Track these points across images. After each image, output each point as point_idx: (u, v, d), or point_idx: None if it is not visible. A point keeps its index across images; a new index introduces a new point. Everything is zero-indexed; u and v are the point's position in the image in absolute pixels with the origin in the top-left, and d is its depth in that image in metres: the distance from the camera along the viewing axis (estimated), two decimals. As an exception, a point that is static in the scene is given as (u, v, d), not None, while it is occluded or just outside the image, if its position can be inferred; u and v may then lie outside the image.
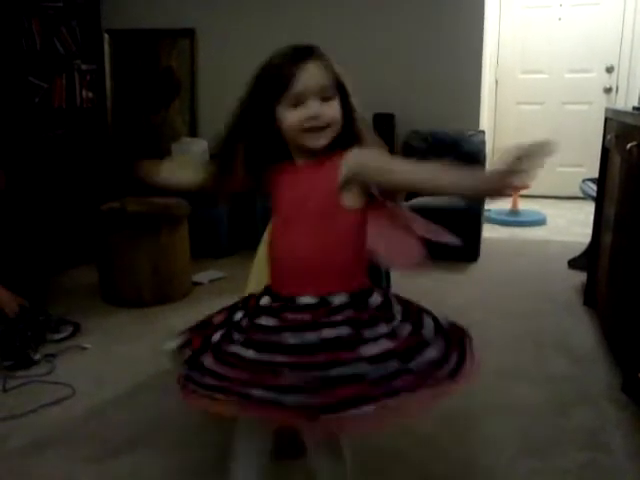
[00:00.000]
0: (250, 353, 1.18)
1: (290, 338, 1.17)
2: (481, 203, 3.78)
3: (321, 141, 1.23)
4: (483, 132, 4.24)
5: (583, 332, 2.71)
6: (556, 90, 5.65)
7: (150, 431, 1.94)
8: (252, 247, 2.40)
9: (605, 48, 5.45)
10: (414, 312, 1.31)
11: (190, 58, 4.62)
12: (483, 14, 4.24)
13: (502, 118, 5.83)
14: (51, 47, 4.02)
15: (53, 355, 2.48)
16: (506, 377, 2.28)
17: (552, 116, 5.71)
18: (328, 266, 1.25)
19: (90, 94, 4.40)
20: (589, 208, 3.46)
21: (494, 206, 5.13)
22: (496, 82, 5.76)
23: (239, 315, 1.31)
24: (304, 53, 1.22)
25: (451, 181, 1.26)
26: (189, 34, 4.58)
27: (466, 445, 1.85)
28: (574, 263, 3.62)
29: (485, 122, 5.10)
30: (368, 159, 1.23)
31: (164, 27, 4.59)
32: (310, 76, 1.20)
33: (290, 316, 1.21)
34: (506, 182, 1.13)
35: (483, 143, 4.13)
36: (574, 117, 5.63)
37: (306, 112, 1.20)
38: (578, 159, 5.55)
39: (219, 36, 4.55)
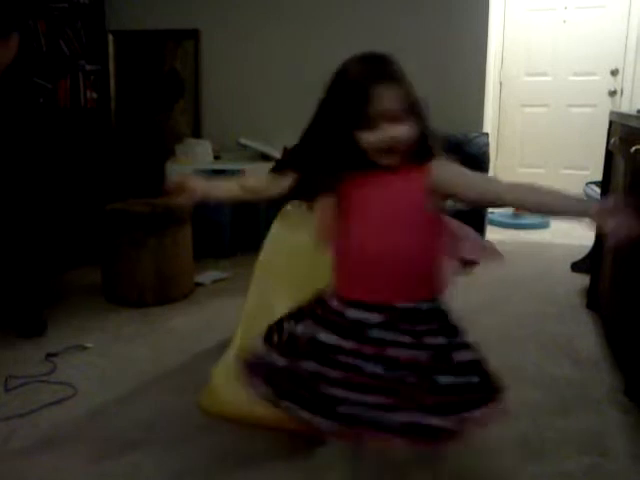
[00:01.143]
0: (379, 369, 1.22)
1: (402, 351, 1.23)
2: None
3: (396, 159, 1.25)
4: (487, 134, 4.23)
5: (586, 335, 2.70)
6: (560, 93, 5.64)
7: (152, 431, 1.94)
8: (255, 248, 2.40)
9: (610, 51, 5.44)
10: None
11: (194, 59, 4.63)
12: (488, 16, 4.24)
13: (506, 120, 5.83)
14: (56, 48, 4.04)
15: (54, 354, 2.48)
16: (508, 380, 2.27)
17: (556, 119, 5.70)
18: (425, 270, 1.31)
19: (94, 95, 4.41)
20: (593, 211, 3.45)
21: (497, 209, 5.12)
22: (500, 84, 5.75)
23: (327, 336, 1.28)
24: (379, 72, 1.23)
25: (538, 202, 1.24)
26: (193, 35, 4.58)
27: (467, 449, 1.84)
28: (577, 266, 3.61)
29: (489, 124, 5.09)
30: (454, 173, 1.28)
31: (168, 28, 4.60)
32: (385, 101, 1.21)
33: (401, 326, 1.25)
34: (601, 219, 1.15)
35: (487, 145, 4.12)
36: (578, 120, 5.62)
37: (382, 135, 1.22)
38: (582, 162, 5.53)
39: (223, 37, 4.56)
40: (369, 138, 1.23)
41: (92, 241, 3.52)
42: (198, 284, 3.36)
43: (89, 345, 2.59)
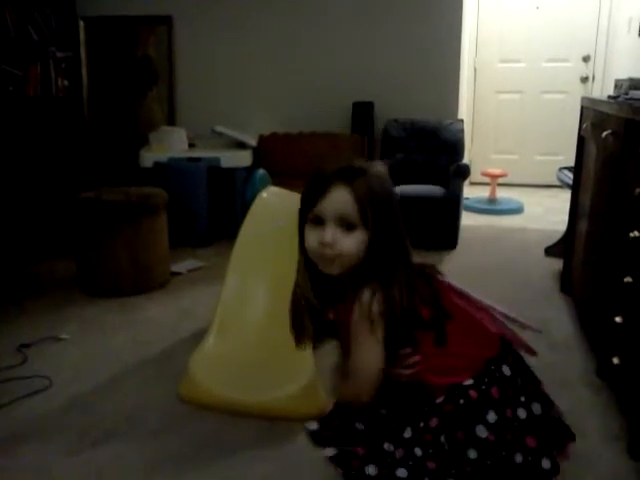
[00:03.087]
0: None
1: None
2: (459, 191, 3.81)
3: (332, 270, 1.21)
4: (462, 121, 4.26)
5: (560, 318, 2.74)
6: (534, 79, 5.70)
7: (130, 421, 1.93)
8: (231, 237, 2.39)
9: (582, 38, 5.50)
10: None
11: (168, 46, 4.57)
12: (462, 3, 4.25)
13: (481, 107, 5.87)
14: (25, 34, 3.95)
15: (27, 345, 2.45)
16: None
17: (530, 105, 5.76)
18: None
19: (66, 82, 4.33)
20: (565, 196, 3.50)
21: (472, 194, 5.16)
22: (475, 71, 5.78)
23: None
24: (333, 178, 1.18)
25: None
26: (166, 21, 4.52)
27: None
28: (551, 250, 3.66)
29: (464, 111, 5.13)
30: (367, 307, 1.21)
31: (141, 14, 4.53)
32: (330, 203, 1.17)
33: None
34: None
35: (462, 132, 4.15)
36: (552, 106, 5.68)
37: (321, 236, 1.18)
38: (555, 147, 5.60)
39: (197, 24, 4.50)
40: (311, 237, 1.20)
41: (66, 231, 3.47)
42: (174, 273, 3.33)
43: (64, 336, 2.56)
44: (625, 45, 4.83)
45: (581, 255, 2.69)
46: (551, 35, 5.56)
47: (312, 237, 1.20)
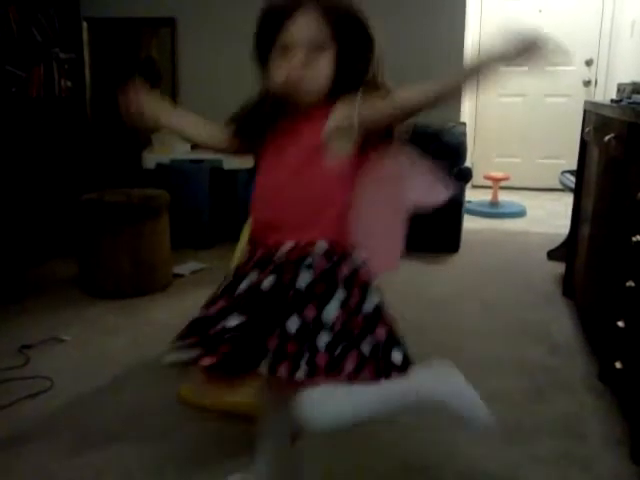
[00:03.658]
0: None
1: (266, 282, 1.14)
2: (462, 194, 3.80)
3: (308, 97, 1.18)
4: (464, 124, 4.25)
5: (562, 322, 2.74)
6: (536, 83, 5.69)
7: (131, 423, 1.93)
8: (233, 239, 2.39)
9: (585, 41, 5.50)
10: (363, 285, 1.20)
11: (171, 47, 4.58)
12: (464, 6, 4.25)
13: (483, 110, 5.87)
14: (29, 35, 3.95)
15: (28, 346, 2.45)
16: (485, 366, 2.31)
17: (532, 108, 5.76)
18: (308, 214, 1.19)
19: (69, 83, 4.33)
20: (568, 200, 3.50)
21: (474, 198, 5.16)
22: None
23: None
24: (298, 2, 1.14)
25: (435, 90, 1.24)
26: (170, 23, 4.53)
27: (445, 434, 1.87)
28: (553, 254, 3.66)
29: (466, 114, 5.13)
30: (353, 112, 1.16)
31: (144, 16, 4.54)
32: (299, 29, 1.14)
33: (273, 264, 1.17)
34: (492, 64, 1.14)
35: (464, 135, 4.14)
36: (554, 109, 5.68)
37: (290, 65, 1.15)
38: (557, 151, 5.60)
39: (200, 25, 4.51)
40: (278, 68, 1.16)
41: (68, 232, 3.47)
42: (176, 275, 3.33)
43: (65, 337, 2.56)
44: (628, 49, 4.83)
45: (583, 259, 2.69)
46: (554, 38, 5.55)
47: (281, 67, 1.16)
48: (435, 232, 3.78)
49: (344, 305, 1.12)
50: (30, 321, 2.73)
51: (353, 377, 1.09)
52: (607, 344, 2.10)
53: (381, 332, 1.15)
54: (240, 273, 1.23)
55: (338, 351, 1.09)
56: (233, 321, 1.12)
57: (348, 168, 1.21)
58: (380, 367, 1.12)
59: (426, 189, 1.27)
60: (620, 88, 2.62)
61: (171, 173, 3.87)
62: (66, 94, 4.30)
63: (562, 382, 2.19)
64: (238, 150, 1.37)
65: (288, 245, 1.17)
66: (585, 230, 2.70)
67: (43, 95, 4.08)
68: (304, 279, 1.13)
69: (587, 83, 5.58)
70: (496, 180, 5.05)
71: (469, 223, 4.40)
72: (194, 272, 3.43)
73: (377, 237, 1.24)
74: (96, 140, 4.62)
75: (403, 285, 3.15)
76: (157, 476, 1.69)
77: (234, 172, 3.95)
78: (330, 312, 1.10)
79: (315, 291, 1.12)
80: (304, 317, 1.10)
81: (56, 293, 3.10)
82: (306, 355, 1.08)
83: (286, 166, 1.22)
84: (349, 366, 1.09)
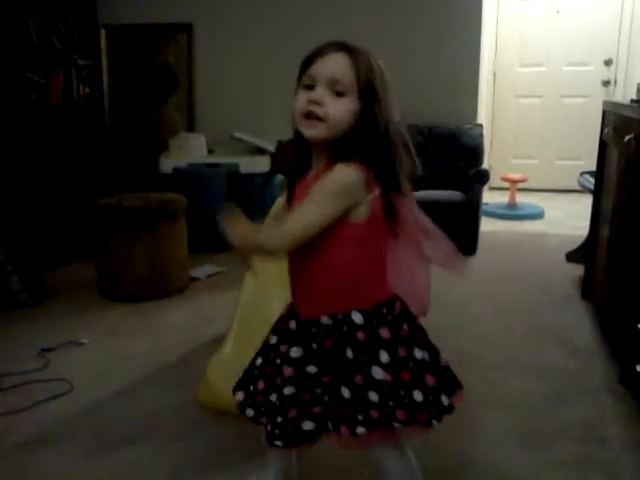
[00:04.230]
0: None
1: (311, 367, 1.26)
2: (479, 196, 3.78)
3: (314, 132, 1.17)
4: (481, 125, 4.24)
5: (581, 325, 2.71)
6: (554, 83, 5.64)
7: (149, 426, 1.94)
8: (249, 242, 2.39)
9: (603, 41, 5.44)
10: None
11: (187, 53, 4.61)
12: (481, 7, 4.23)
13: (500, 111, 5.82)
14: (48, 43, 4.01)
15: (48, 350, 2.48)
16: (504, 370, 2.29)
17: (550, 109, 5.71)
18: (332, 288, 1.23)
19: (87, 90, 4.38)
20: (587, 201, 3.46)
21: (492, 199, 5.13)
22: (494, 75, 5.75)
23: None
24: (333, 45, 1.18)
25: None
26: (186, 29, 4.56)
27: (464, 438, 1.85)
28: (572, 256, 3.62)
29: (483, 115, 5.09)
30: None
31: (161, 22, 4.57)
32: (325, 65, 1.16)
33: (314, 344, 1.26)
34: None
35: (481, 136, 4.13)
36: (572, 110, 5.62)
37: (310, 95, 1.16)
38: (576, 152, 5.54)
39: (216, 31, 4.53)
40: (301, 97, 1.18)
41: (87, 236, 3.50)
42: (193, 278, 3.35)
43: (84, 341, 2.58)
44: (647, 48, 4.78)
45: (603, 261, 2.65)
46: (572, 38, 5.51)
47: (301, 98, 1.18)
48: (452, 234, 3.73)
49: (388, 366, 1.20)
50: (50, 324, 2.76)
51: (407, 425, 1.18)
52: (628, 347, 2.07)
53: (430, 380, 1.23)
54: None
55: (390, 404, 1.18)
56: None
57: (356, 230, 1.20)
58: (432, 412, 1.21)
59: (444, 257, 1.34)
60: (640, 88, 2.59)
61: (188, 177, 3.89)
62: (84, 100, 4.35)
63: (582, 386, 2.17)
64: None
65: (325, 320, 1.24)
66: (604, 232, 2.67)
67: (62, 101, 4.13)
68: (349, 353, 1.21)
69: (606, 83, 5.52)
70: (514, 182, 5.01)
71: (486, 225, 4.37)
72: (210, 275, 3.44)
73: (407, 285, 1.30)
74: (114, 145, 4.67)
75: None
76: (175, 478, 1.69)
77: (250, 176, 3.96)
78: (376, 374, 1.19)
79: (360, 359, 1.20)
80: (354, 384, 1.20)
81: (75, 297, 3.13)
82: (361, 413, 1.19)
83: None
84: (401, 415, 1.18)
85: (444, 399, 1.23)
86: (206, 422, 1.94)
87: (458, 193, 3.82)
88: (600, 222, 2.86)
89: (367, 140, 1.17)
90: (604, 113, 2.89)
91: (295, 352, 1.27)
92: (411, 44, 4.30)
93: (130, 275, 3.04)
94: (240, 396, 1.39)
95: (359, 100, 1.16)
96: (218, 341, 2.23)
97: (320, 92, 1.15)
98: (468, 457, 1.76)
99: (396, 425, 1.18)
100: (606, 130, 2.77)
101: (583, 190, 3.68)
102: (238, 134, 4.15)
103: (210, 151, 4.23)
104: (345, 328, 1.21)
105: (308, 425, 1.26)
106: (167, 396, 2.12)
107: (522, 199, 5.13)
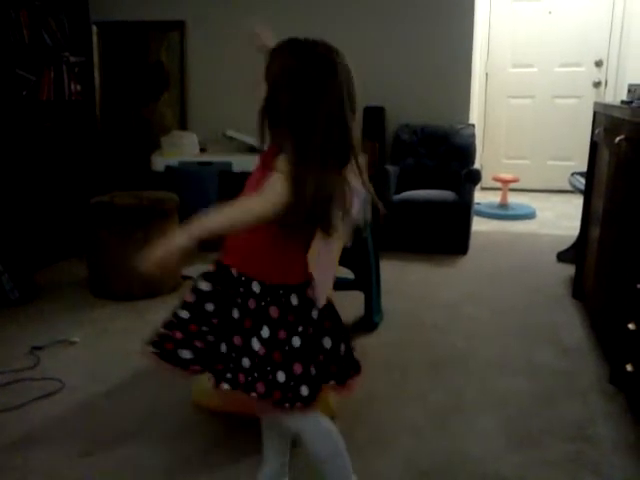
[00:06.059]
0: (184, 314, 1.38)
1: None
2: (471, 196, 3.79)
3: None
4: (473, 125, 4.25)
5: (572, 324, 2.72)
6: (546, 84, 5.67)
7: (141, 424, 1.94)
8: (242, 241, 2.39)
9: (595, 42, 5.47)
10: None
11: (180, 51, 4.59)
12: (473, 8, 4.24)
13: (492, 112, 5.85)
14: (39, 39, 3.98)
15: (39, 348, 2.47)
16: (495, 369, 2.30)
17: (542, 110, 5.73)
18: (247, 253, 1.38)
19: (79, 87, 4.36)
20: (578, 201, 3.48)
21: (483, 199, 5.15)
22: (486, 76, 5.77)
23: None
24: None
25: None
26: (179, 26, 4.55)
27: (454, 437, 1.86)
28: (563, 256, 3.64)
29: (475, 116, 5.11)
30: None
31: (154, 19, 4.56)
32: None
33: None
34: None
35: (473, 136, 4.14)
36: (564, 111, 5.65)
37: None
38: (567, 153, 5.58)
39: (209, 29, 4.52)
40: None
41: (78, 234, 3.49)
42: (185, 277, 3.34)
43: (75, 339, 2.57)
44: (638, 49, 4.81)
45: (593, 261, 2.67)
46: (563, 40, 5.53)
47: None
48: (444, 234, 3.77)
49: (266, 342, 1.30)
50: (41, 323, 2.75)
51: (262, 398, 1.29)
52: (618, 347, 2.09)
53: (297, 368, 1.31)
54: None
55: (255, 374, 1.29)
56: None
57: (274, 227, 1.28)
58: (287, 396, 1.30)
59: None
60: (631, 89, 2.60)
61: (180, 175, 3.88)
62: (76, 97, 4.33)
63: (572, 385, 2.18)
64: None
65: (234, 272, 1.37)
66: (595, 232, 2.69)
67: (53, 98, 4.11)
68: (236, 313, 1.33)
69: (597, 84, 5.55)
70: (505, 182, 5.03)
71: (478, 225, 4.39)
72: (203, 274, 3.43)
73: (323, 280, 1.39)
74: (105, 143, 4.65)
75: (412, 287, 3.15)
76: (169, 476, 1.69)
77: (243, 174, 3.94)
78: (254, 345, 1.30)
79: (245, 324, 1.31)
80: (232, 343, 1.32)
81: (66, 295, 3.12)
82: (230, 372, 1.31)
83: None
84: (260, 388, 1.29)
85: (304, 389, 1.31)
86: (200, 420, 1.94)
87: (450, 193, 3.83)
88: (591, 222, 2.88)
89: (272, 116, 1.32)
90: (595, 114, 2.90)
91: (204, 286, 1.40)
92: (403, 44, 4.31)
93: (122, 273, 3.03)
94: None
95: (265, 84, 1.32)
96: (210, 340, 2.23)
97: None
98: (458, 456, 1.77)
99: (252, 395, 1.28)
100: (597, 131, 2.79)
101: (574, 190, 3.70)
102: (231, 132, 4.14)
103: (202, 149, 4.22)
104: (242, 290, 1.32)
105: (186, 354, 1.35)
106: (161, 395, 2.12)
107: (514, 199, 5.15)
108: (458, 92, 4.32)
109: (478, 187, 4.69)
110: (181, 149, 4.06)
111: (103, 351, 2.49)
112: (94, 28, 4.56)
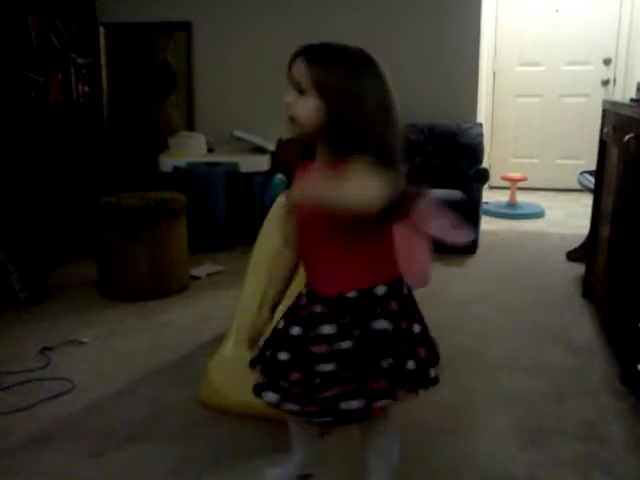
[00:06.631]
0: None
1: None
2: (479, 195, 3.78)
3: (294, 131, 1.29)
4: (481, 125, 4.24)
5: (582, 324, 2.71)
6: (554, 82, 5.65)
7: (150, 425, 1.94)
8: (250, 241, 2.40)
9: (603, 40, 5.44)
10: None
11: (186, 51, 4.60)
12: (480, 6, 4.23)
13: (500, 111, 5.83)
14: (47, 41, 4.00)
15: (49, 348, 2.48)
16: (505, 369, 2.29)
17: (550, 108, 5.71)
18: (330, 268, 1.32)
19: (86, 88, 4.38)
20: (587, 200, 3.47)
21: (492, 199, 5.13)
22: (494, 74, 5.75)
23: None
24: (299, 50, 1.29)
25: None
26: (185, 27, 4.55)
27: (465, 436, 1.86)
28: (572, 255, 3.62)
29: (483, 115, 5.10)
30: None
31: (160, 20, 4.57)
32: (293, 70, 1.27)
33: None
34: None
35: (481, 135, 4.13)
36: (572, 109, 5.63)
37: (285, 99, 1.28)
38: (576, 151, 5.55)
39: (215, 29, 4.53)
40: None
41: (86, 235, 3.50)
42: (194, 277, 3.35)
43: (85, 340, 2.58)
44: (647, 47, 4.78)
45: (603, 260, 2.66)
46: (571, 38, 5.51)
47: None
48: (452, 233, 3.75)
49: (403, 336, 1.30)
50: (51, 323, 2.76)
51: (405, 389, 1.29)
52: (629, 346, 2.07)
53: (422, 352, 1.33)
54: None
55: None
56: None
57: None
58: (421, 381, 1.32)
59: (449, 229, 1.39)
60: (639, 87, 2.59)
61: (187, 176, 3.89)
62: (84, 99, 4.34)
63: (583, 384, 2.17)
64: None
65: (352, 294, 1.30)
66: (605, 231, 2.67)
67: (61, 100, 4.13)
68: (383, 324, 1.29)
69: (605, 82, 5.52)
70: (514, 181, 5.01)
71: (487, 224, 4.38)
72: (210, 274, 3.44)
73: (412, 262, 1.40)
74: (113, 144, 4.66)
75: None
76: (177, 476, 1.69)
77: (250, 175, 3.96)
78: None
79: (401, 327, 1.31)
80: (398, 351, 1.29)
81: (76, 296, 3.13)
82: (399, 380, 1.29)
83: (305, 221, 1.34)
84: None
85: (432, 371, 1.34)
86: (207, 421, 1.94)
87: (458, 192, 3.82)
88: (600, 221, 2.87)
89: (336, 132, 1.22)
90: (604, 112, 2.89)
91: (327, 329, 1.29)
92: (411, 44, 4.30)
93: (130, 274, 3.04)
94: (272, 397, 1.36)
95: (319, 98, 1.22)
96: (219, 340, 2.23)
97: (290, 95, 1.26)
98: (469, 455, 1.76)
99: (400, 392, 1.28)
100: (606, 129, 2.78)
101: (583, 189, 3.69)
102: (238, 133, 4.15)
103: (210, 150, 4.23)
104: (371, 301, 1.29)
105: (354, 404, 1.26)
106: (169, 395, 2.12)
107: (522, 198, 5.13)
108: (465, 91, 4.31)
109: (486, 186, 4.67)
110: (188, 150, 4.07)
111: (112, 351, 2.49)
112: (101, 30, 4.58)
